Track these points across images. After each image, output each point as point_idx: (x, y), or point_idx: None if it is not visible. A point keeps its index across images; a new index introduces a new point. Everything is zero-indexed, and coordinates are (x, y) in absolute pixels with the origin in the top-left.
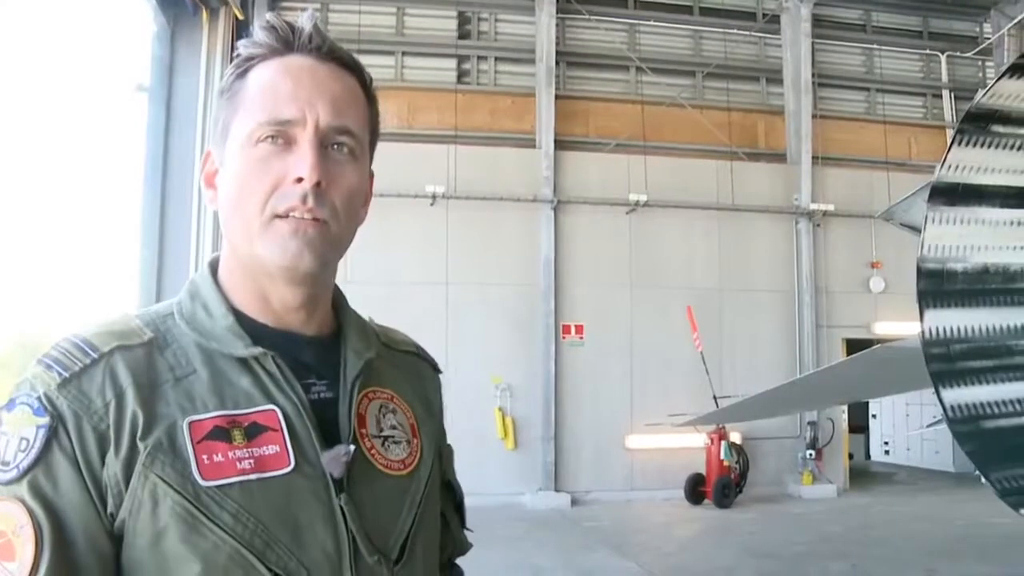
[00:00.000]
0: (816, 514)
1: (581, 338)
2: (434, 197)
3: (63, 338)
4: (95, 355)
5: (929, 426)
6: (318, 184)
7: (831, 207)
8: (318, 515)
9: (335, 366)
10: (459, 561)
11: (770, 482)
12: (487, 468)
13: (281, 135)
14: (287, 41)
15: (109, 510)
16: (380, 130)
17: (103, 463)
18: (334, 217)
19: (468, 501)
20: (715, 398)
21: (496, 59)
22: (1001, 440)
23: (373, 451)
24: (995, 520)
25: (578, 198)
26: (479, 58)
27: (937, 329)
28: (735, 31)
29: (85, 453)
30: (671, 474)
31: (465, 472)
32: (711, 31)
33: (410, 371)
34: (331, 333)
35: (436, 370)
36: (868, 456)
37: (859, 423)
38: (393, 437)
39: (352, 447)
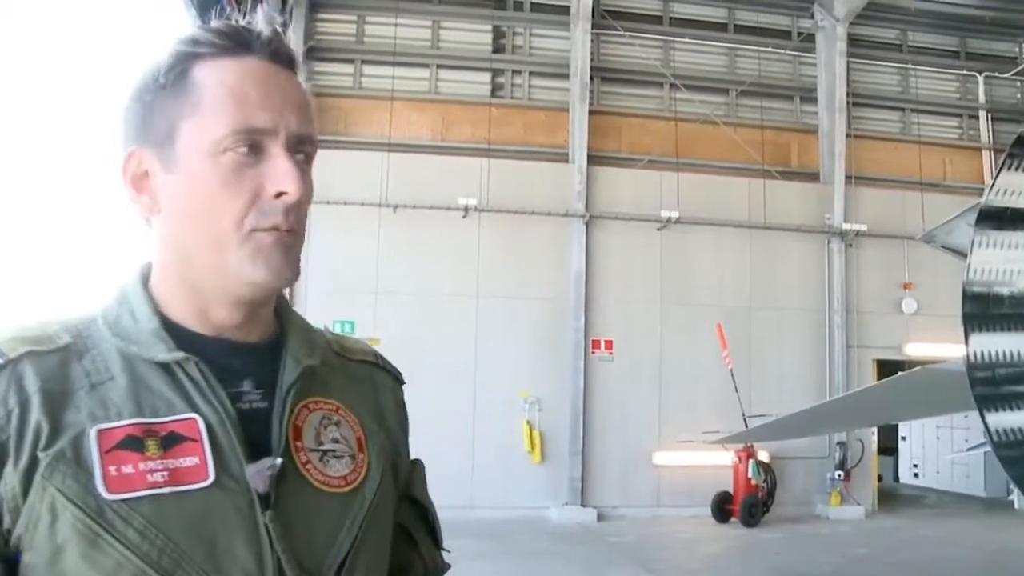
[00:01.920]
0: (843, 536)
1: (610, 353)
2: (466, 210)
3: None
4: (1, 361)
5: (970, 450)
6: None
7: (864, 227)
8: (239, 533)
9: (273, 374)
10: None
11: (798, 502)
12: (513, 481)
13: (252, 144)
14: (243, 41)
15: (6, 526)
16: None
17: (1, 476)
18: (301, 230)
19: (494, 514)
20: (744, 417)
21: (530, 73)
22: None
23: (308, 466)
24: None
25: (610, 214)
26: (513, 72)
27: (982, 353)
28: (770, 49)
29: None
30: (698, 491)
31: (492, 484)
32: (746, 49)
33: (364, 381)
34: (271, 339)
35: (398, 380)
36: (897, 478)
37: (889, 445)
38: (334, 452)
39: (279, 460)
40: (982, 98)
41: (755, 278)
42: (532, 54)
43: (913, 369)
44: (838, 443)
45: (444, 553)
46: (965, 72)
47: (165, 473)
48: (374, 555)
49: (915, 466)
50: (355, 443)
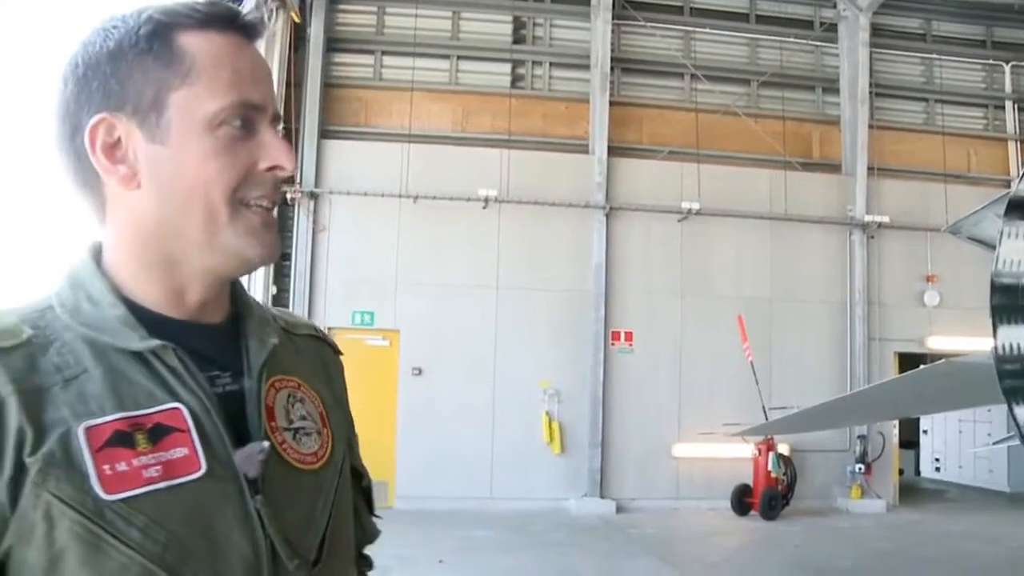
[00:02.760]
0: (864, 529)
1: (630, 345)
2: (486, 201)
3: None
4: None
5: (996, 444)
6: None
7: (886, 219)
8: (234, 521)
9: (237, 355)
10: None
11: (818, 495)
12: (533, 472)
13: (246, 119)
14: (225, 17)
15: None
16: None
17: None
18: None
19: (514, 505)
20: (764, 409)
21: (551, 64)
22: None
23: (285, 445)
24: None
25: (630, 205)
26: (534, 63)
27: (1011, 345)
28: (791, 40)
29: None
30: (717, 484)
31: (511, 475)
32: (767, 39)
33: (313, 356)
34: (228, 319)
35: (337, 352)
36: (918, 472)
37: (910, 438)
38: (304, 428)
39: (267, 444)
40: (1008, 88)
41: (776, 270)
42: (552, 45)
43: (937, 362)
44: (859, 436)
45: (376, 520)
46: (991, 61)
47: (159, 467)
48: (345, 526)
49: (937, 460)
50: (319, 418)
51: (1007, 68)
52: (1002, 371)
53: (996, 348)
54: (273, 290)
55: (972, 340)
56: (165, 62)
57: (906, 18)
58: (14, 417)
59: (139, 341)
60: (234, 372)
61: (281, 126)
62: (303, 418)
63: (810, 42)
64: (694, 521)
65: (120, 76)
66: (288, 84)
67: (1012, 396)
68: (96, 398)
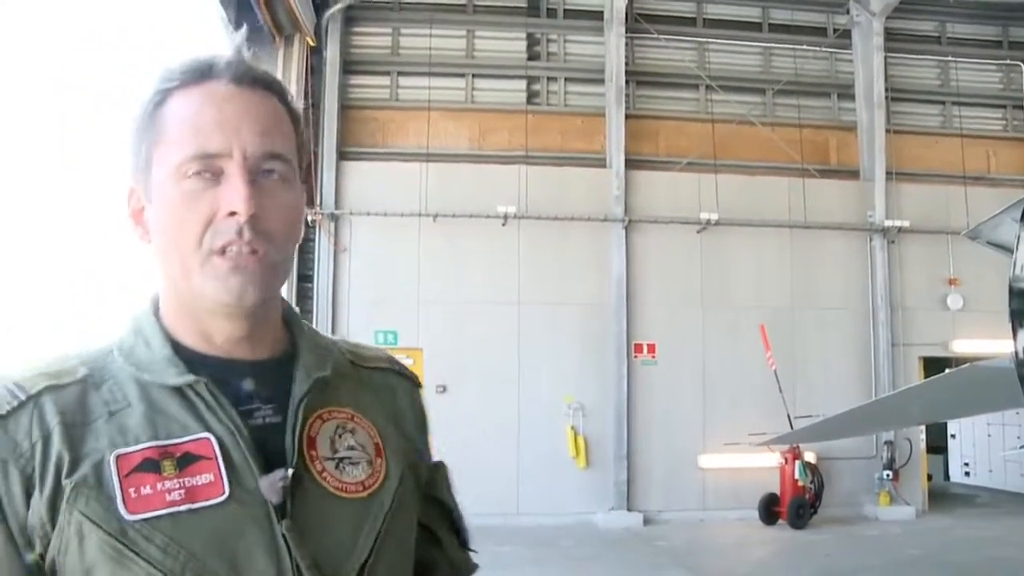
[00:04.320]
0: (894, 536)
1: (653, 357)
2: (505, 217)
3: None
4: (23, 397)
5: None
6: (253, 216)
7: (906, 223)
8: (258, 544)
9: (286, 388)
10: None
11: (846, 503)
12: (559, 487)
13: (209, 168)
14: (203, 69)
15: (38, 551)
16: (308, 146)
17: (28, 506)
18: (272, 245)
19: (541, 520)
20: (789, 418)
21: (566, 79)
22: None
23: (324, 474)
24: None
25: (649, 217)
26: (549, 79)
27: None
28: (805, 47)
29: (10, 497)
30: (744, 494)
31: (537, 490)
32: (781, 48)
33: (380, 387)
34: (282, 355)
35: (415, 384)
36: (947, 477)
37: (938, 443)
38: (350, 458)
39: (289, 472)
40: None
41: (797, 278)
42: (567, 60)
43: (961, 366)
44: (886, 442)
45: (472, 554)
46: (1008, 62)
47: (182, 491)
48: (396, 556)
49: (966, 465)
50: (372, 448)
51: None
52: (1023, 375)
53: (1017, 352)
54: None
55: (997, 343)
56: (151, 127)
57: (920, 21)
58: (56, 446)
59: (176, 376)
60: (278, 405)
61: (274, 163)
62: (351, 448)
63: (824, 49)
64: (722, 532)
65: (134, 147)
66: (306, 107)
67: None
68: (133, 430)
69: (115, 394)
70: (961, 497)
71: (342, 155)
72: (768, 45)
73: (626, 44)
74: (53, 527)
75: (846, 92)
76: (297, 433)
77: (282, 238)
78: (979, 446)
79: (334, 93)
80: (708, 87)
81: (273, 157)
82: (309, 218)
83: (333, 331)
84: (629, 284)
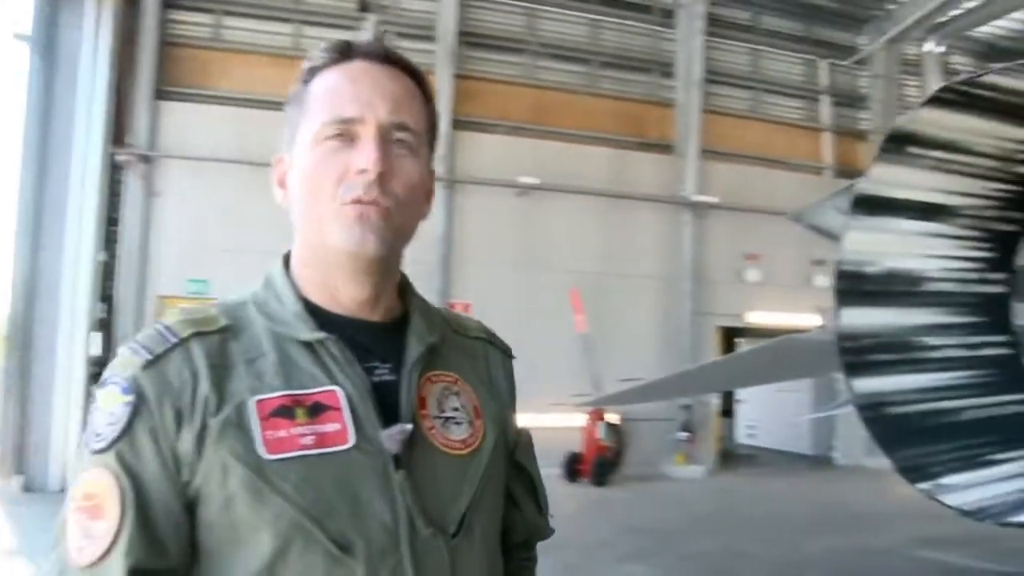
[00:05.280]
0: (688, 493)
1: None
2: None
3: (150, 326)
4: (175, 340)
5: (829, 410)
6: (381, 174)
7: (715, 199)
8: (376, 489)
9: (399, 351)
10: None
11: (645, 462)
12: None
13: (345, 132)
14: (345, 50)
15: (184, 478)
16: (439, 127)
17: (179, 437)
18: (396, 206)
19: None
20: (595, 380)
21: (397, 34)
22: (901, 425)
23: (433, 431)
24: (844, 498)
25: (471, 178)
26: (379, 32)
27: (850, 325)
28: (631, 23)
29: (164, 428)
30: (547, 453)
31: None
32: (609, 21)
33: (478, 356)
34: (397, 319)
35: (508, 355)
36: (733, 439)
37: (728, 408)
38: (455, 419)
39: (409, 426)
40: (824, 82)
41: (610, 246)
42: (399, 15)
43: (779, 337)
44: (683, 406)
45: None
46: (810, 57)
47: (312, 437)
48: (489, 512)
49: (751, 427)
50: (472, 411)
51: (823, 64)
52: (842, 348)
53: (838, 328)
54: (102, 256)
55: (787, 315)
56: (298, 104)
57: (738, 10)
58: (203, 386)
59: (308, 332)
60: (394, 365)
61: (404, 133)
62: (455, 409)
63: (649, 26)
64: None
65: (287, 122)
66: (121, 42)
67: (850, 370)
68: (268, 377)
69: (252, 343)
70: (746, 457)
71: (159, 94)
72: (596, 17)
73: (459, 3)
74: (199, 458)
75: (667, 70)
76: (412, 393)
77: (406, 201)
78: (763, 410)
79: (152, 27)
80: (536, 53)
81: (402, 128)
82: (119, 158)
83: (142, 278)
84: (450, 244)
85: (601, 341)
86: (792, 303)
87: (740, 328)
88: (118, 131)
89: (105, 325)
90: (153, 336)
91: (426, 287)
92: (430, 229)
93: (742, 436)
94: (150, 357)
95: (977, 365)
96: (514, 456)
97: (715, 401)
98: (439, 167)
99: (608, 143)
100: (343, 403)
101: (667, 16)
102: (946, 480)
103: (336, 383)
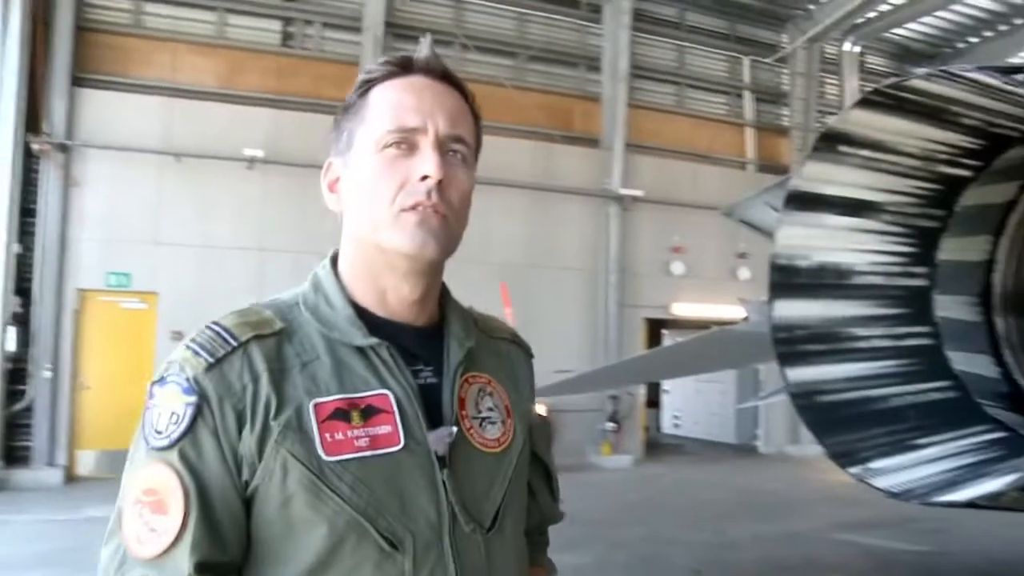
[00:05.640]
0: (615, 483)
1: None
2: (252, 161)
3: (207, 327)
4: (235, 344)
5: (763, 399)
6: (440, 181)
7: (640, 193)
8: (422, 488)
9: (440, 354)
10: None
11: (573, 452)
12: None
13: (405, 141)
14: (404, 64)
15: (244, 477)
16: (482, 141)
17: (240, 438)
18: (452, 213)
19: None
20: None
21: (323, 24)
22: (832, 412)
23: (472, 431)
24: (767, 486)
25: None
26: (305, 22)
27: (783, 317)
28: (559, 17)
29: (225, 429)
30: None
31: None
32: (536, 15)
33: (503, 356)
34: (437, 323)
35: (529, 355)
36: (659, 429)
37: (653, 398)
38: (489, 418)
39: (454, 429)
40: (747, 79)
41: (536, 238)
42: (325, 4)
43: (712, 329)
44: (611, 396)
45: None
46: (733, 54)
47: (367, 439)
48: (518, 505)
49: (676, 417)
50: (504, 410)
51: (746, 62)
52: (776, 339)
53: (772, 320)
54: (18, 249)
55: (711, 307)
56: (357, 112)
57: (664, 6)
58: (265, 389)
59: (362, 338)
60: (436, 368)
61: (459, 145)
62: (490, 409)
63: (576, 21)
64: None
65: (339, 128)
66: (34, 25)
67: (783, 360)
68: (324, 381)
69: (305, 346)
70: (671, 446)
71: (76, 81)
72: (524, 11)
73: None
74: (260, 458)
75: (593, 64)
76: (454, 395)
77: (459, 209)
78: (688, 401)
79: (68, 11)
80: (463, 46)
81: (458, 140)
82: (34, 147)
83: (60, 271)
84: None
85: (528, 334)
86: (717, 295)
87: (666, 320)
88: (34, 118)
89: (21, 319)
90: (213, 338)
91: None
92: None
93: (668, 426)
94: (212, 360)
95: (902, 355)
96: (533, 448)
97: (641, 391)
98: None
99: (535, 136)
100: (393, 406)
101: (594, 11)
102: (875, 464)
103: (387, 387)
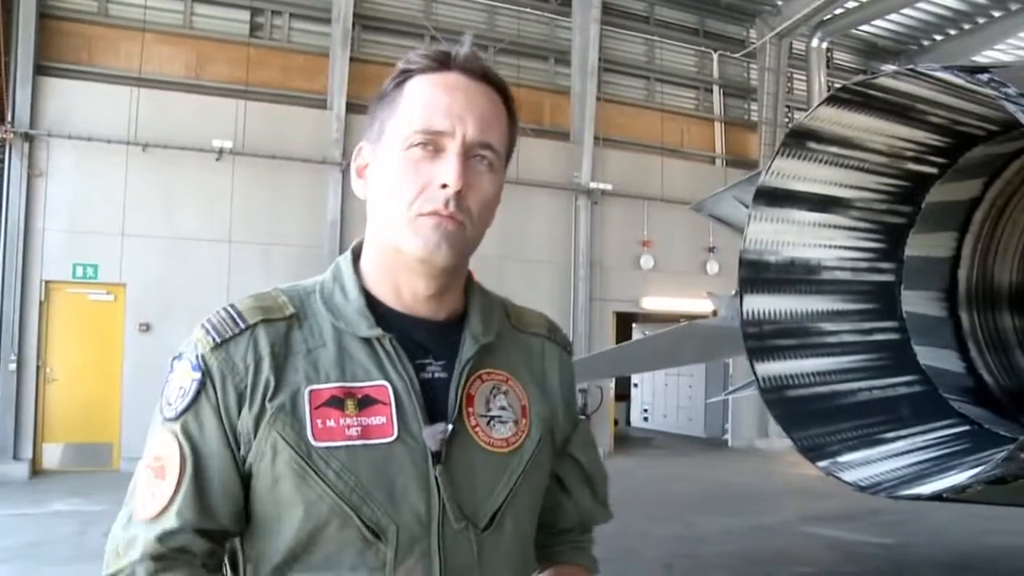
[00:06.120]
0: None
1: None
2: (220, 152)
3: (223, 308)
4: (243, 326)
5: (731, 393)
6: (459, 191)
7: (609, 186)
8: (413, 481)
9: (454, 348)
10: None
11: None
12: None
13: (432, 143)
14: (443, 59)
15: (241, 453)
16: (516, 142)
17: (239, 415)
18: (470, 220)
19: None
20: None
21: (291, 15)
22: (801, 407)
23: (477, 429)
24: (736, 479)
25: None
26: (273, 12)
27: (753, 312)
28: (528, 10)
29: (227, 406)
30: None
31: None
32: (505, 8)
33: (533, 352)
34: (459, 317)
35: (567, 351)
36: (629, 422)
37: (622, 392)
38: (500, 417)
39: (449, 426)
40: (716, 74)
41: (507, 231)
42: None
43: (683, 323)
44: (580, 389)
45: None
46: (702, 49)
47: (359, 428)
48: (523, 508)
49: (645, 411)
50: (519, 410)
51: (715, 56)
52: (745, 333)
53: (741, 314)
54: None
55: (680, 300)
56: (390, 102)
57: (633, 0)
58: (265, 371)
59: (367, 329)
60: (447, 362)
61: (486, 152)
62: (502, 408)
63: (546, 14)
64: None
65: (374, 115)
66: None
67: (753, 355)
68: (325, 368)
69: (313, 333)
70: (640, 440)
71: (41, 69)
72: (493, 4)
73: None
74: (255, 437)
75: (563, 58)
76: (459, 392)
77: (478, 217)
78: (657, 394)
79: None
80: (433, 38)
81: (486, 146)
82: None
83: (24, 263)
84: (343, 228)
85: None
86: (686, 289)
87: (636, 313)
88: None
89: None
90: (225, 319)
91: (320, 271)
92: (324, 213)
93: (637, 420)
94: (219, 340)
95: (870, 349)
96: (567, 448)
97: (611, 385)
98: (335, 151)
99: None
100: (391, 398)
101: (563, 4)
102: (843, 458)
103: (387, 378)
